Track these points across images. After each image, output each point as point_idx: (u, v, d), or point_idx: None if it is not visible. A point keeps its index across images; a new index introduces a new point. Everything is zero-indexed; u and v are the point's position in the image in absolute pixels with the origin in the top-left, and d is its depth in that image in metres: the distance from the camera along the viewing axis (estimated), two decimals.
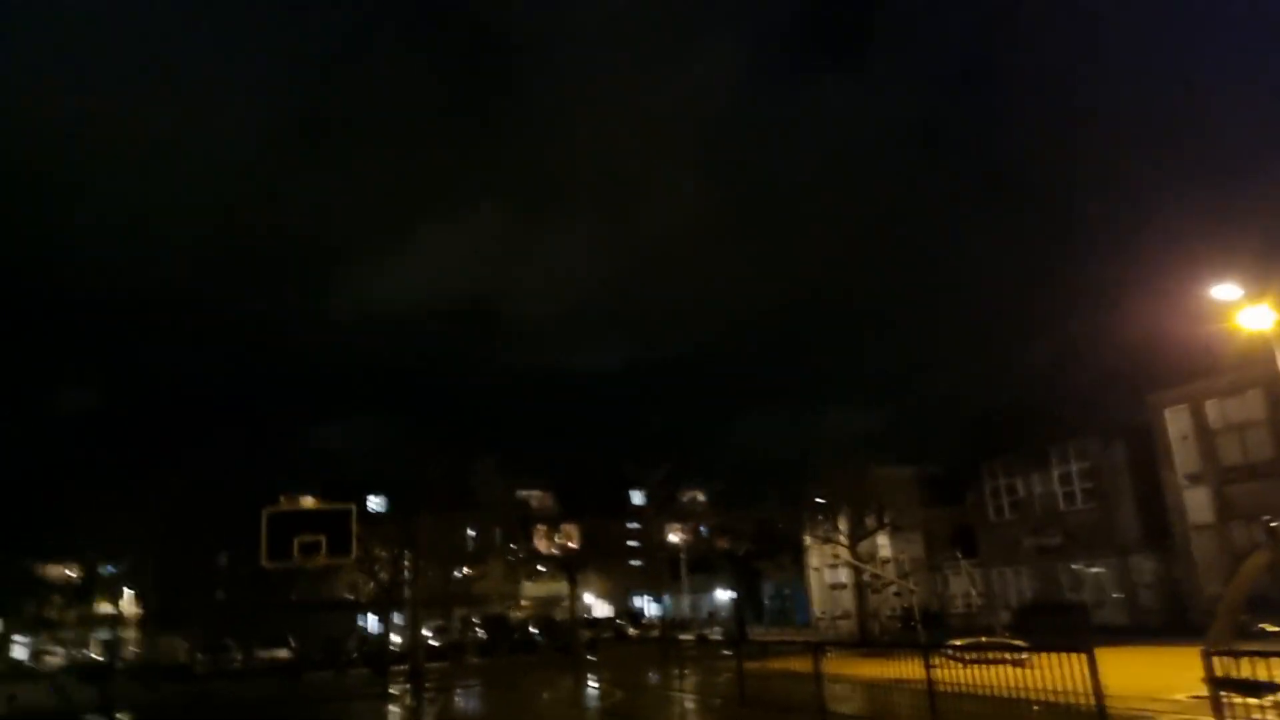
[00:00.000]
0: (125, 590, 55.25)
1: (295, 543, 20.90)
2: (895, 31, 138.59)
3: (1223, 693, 9.13)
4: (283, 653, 46.03)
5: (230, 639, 47.83)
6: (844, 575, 43.66)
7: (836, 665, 16.97)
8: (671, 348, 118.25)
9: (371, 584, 40.16)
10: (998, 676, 12.72)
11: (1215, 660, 9.00)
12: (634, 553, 58.95)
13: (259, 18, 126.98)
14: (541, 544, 58.15)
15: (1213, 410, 29.60)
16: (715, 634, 45.85)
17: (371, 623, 54.41)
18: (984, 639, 20.17)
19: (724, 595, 59.85)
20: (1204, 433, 29.72)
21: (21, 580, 62.44)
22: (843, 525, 39.68)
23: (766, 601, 57.54)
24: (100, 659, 54.79)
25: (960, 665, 14.19)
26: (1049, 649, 11.37)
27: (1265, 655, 8.65)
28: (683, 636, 41.03)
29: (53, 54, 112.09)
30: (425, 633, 41.02)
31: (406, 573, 36.87)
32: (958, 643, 17.11)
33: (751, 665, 18.51)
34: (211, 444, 43.11)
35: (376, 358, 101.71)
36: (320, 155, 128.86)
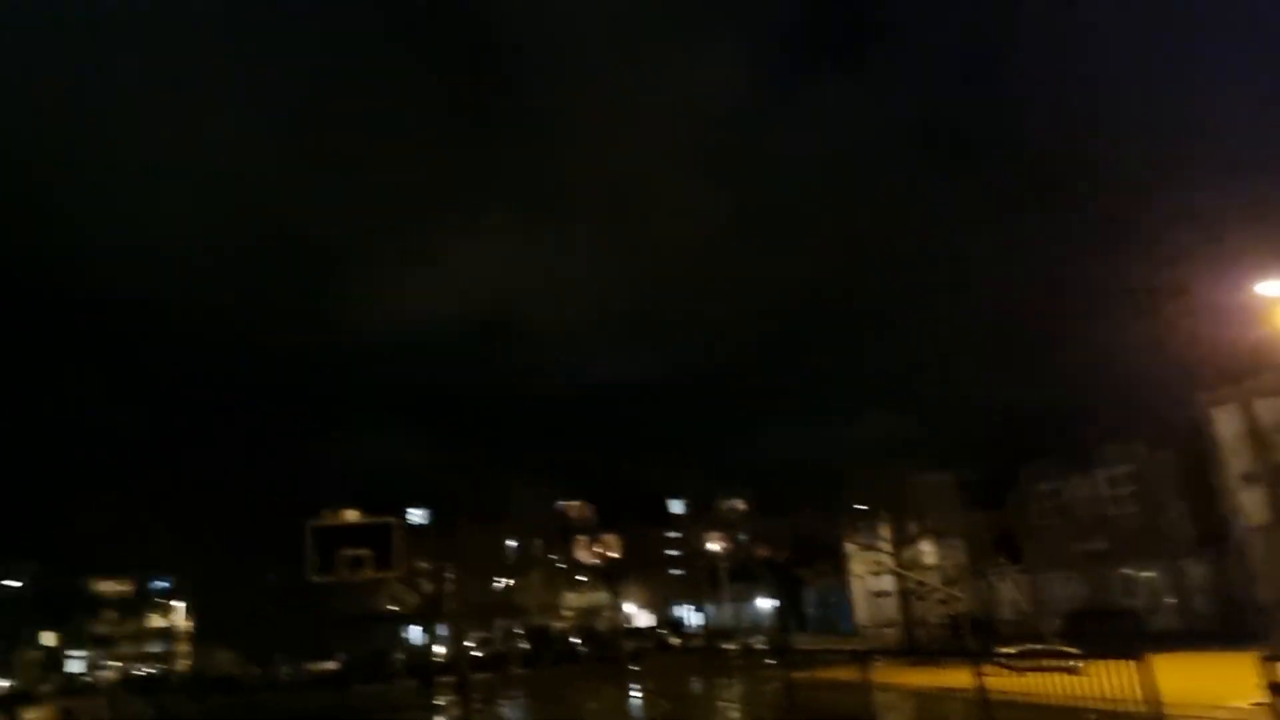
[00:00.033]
0: (175, 605, 56.46)
1: (341, 556, 21.19)
2: (898, 32, 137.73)
3: None
4: (329, 665, 46.65)
5: (278, 652, 48.57)
6: (888, 583, 43.15)
7: (884, 674, 16.85)
8: (705, 356, 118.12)
9: (415, 596, 40.57)
10: (1051, 684, 12.54)
11: (1277, 666, 8.83)
12: (674, 562, 58.90)
13: (270, 40, 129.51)
14: (582, 554, 58.33)
15: (1264, 409, 28.88)
16: (759, 643, 45.62)
17: (415, 634, 54.95)
18: (1035, 646, 19.87)
19: (765, 604, 59.49)
20: (1256, 432, 29.01)
21: (76, 596, 64.06)
22: (885, 532, 39.27)
23: (810, 609, 57.07)
24: (152, 672, 55.95)
25: (1013, 673, 14.02)
26: (1102, 656, 11.21)
27: None
28: (726, 646, 40.87)
29: (68, 64, 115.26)
30: (468, 644, 41.31)
31: (449, 585, 37.20)
32: (1009, 650, 16.89)
33: (798, 674, 18.41)
34: (256, 461, 43.92)
35: (411, 373, 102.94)
36: (345, 180, 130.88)
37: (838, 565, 50.10)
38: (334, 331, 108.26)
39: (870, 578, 47.27)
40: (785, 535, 48.48)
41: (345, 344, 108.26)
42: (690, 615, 62.32)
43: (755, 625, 58.51)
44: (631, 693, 27.31)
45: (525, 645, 49.57)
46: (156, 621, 64.11)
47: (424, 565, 37.39)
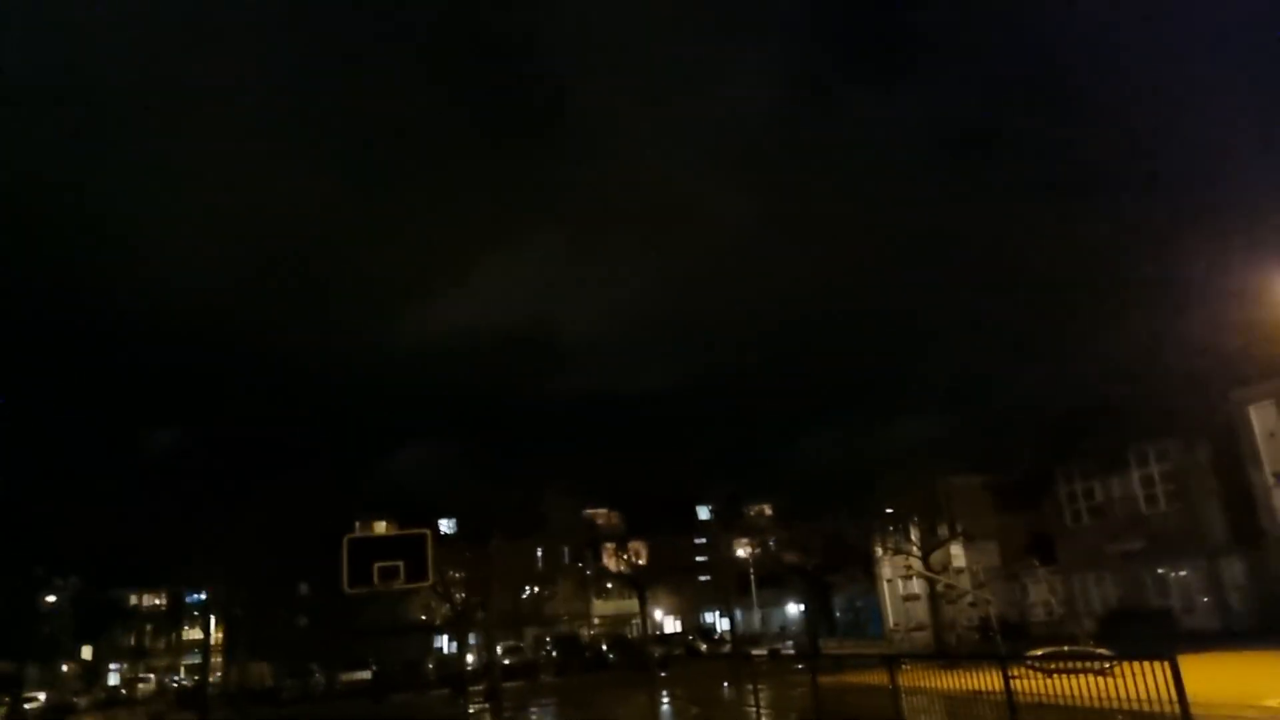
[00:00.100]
0: (210, 617, 57.32)
1: (374, 568, 21.49)
2: (936, 39, 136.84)
3: None
4: (364, 675, 47.14)
5: (313, 663, 49.14)
6: (918, 586, 42.93)
7: (913, 678, 16.79)
8: (733, 362, 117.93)
9: (446, 606, 40.91)
10: (1081, 686, 12.47)
11: None
12: (702, 568, 58.87)
13: (318, 63, 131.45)
14: (610, 562, 58.46)
15: None
16: (788, 648, 45.47)
17: (446, 644, 55.36)
18: (1066, 648, 19.73)
19: (795, 609, 59.28)
20: None
21: (113, 610, 65.17)
22: (914, 536, 39.08)
23: (838, 614, 56.81)
24: (186, 684, 56.76)
25: (1042, 676, 13.95)
26: (1132, 657, 11.15)
27: None
28: (755, 652, 40.83)
29: (116, 100, 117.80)
30: (498, 652, 41.60)
31: (480, 595, 37.49)
32: (1038, 652, 16.80)
33: (826, 679, 18.41)
34: (289, 475, 44.51)
35: (442, 386, 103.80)
36: (385, 192, 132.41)
37: (867, 570, 49.86)
38: (366, 344, 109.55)
39: (900, 581, 47.03)
40: (815, 541, 48.26)
41: (377, 356, 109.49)
42: (719, 621, 62.25)
43: (784, 631, 58.33)
44: (661, 699, 27.40)
45: (555, 653, 49.80)
46: (191, 634, 65.08)
47: (456, 575, 37.72)
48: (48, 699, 52.42)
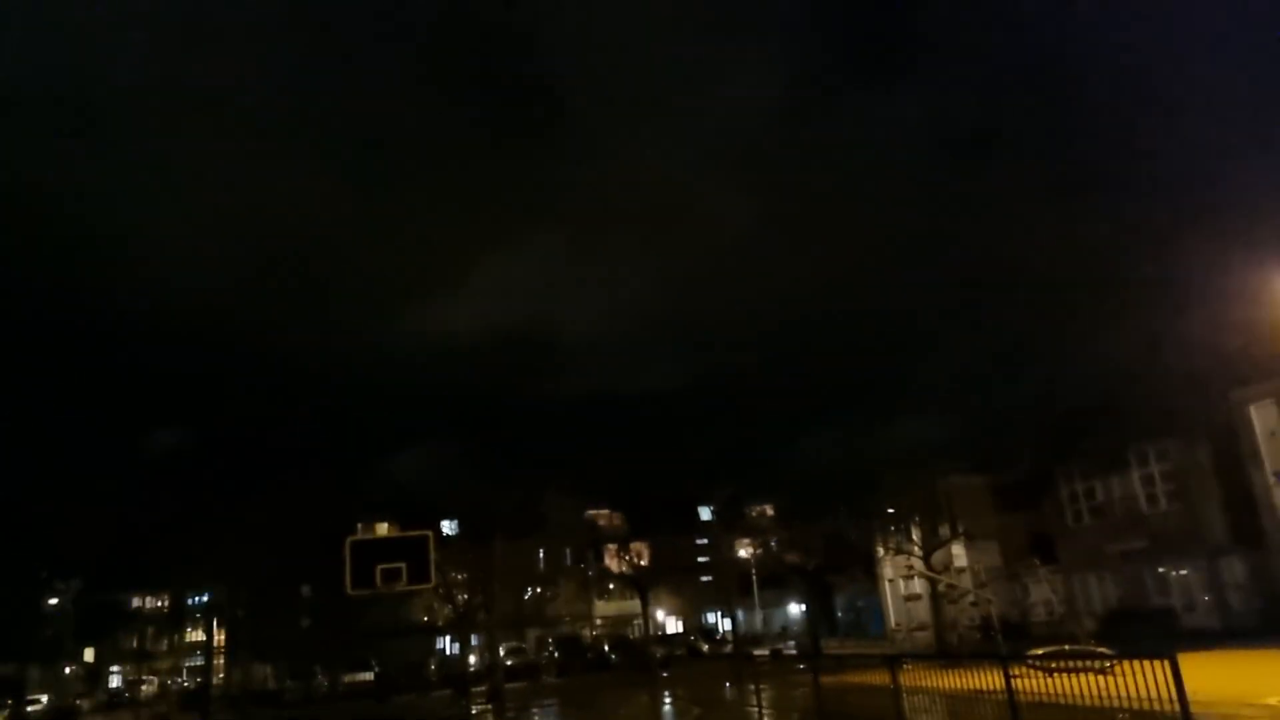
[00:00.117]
0: (212, 619, 57.39)
1: (377, 570, 21.53)
2: (939, 39, 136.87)
3: None
4: (366, 676, 47.20)
5: (315, 665, 49.17)
6: (919, 586, 42.98)
7: (914, 678, 16.85)
8: (733, 365, 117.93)
9: (448, 608, 40.98)
10: (1081, 685, 12.54)
11: None
12: (704, 569, 58.92)
13: (318, 63, 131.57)
14: (612, 563, 58.52)
15: None
16: (789, 649, 45.54)
17: (448, 645, 55.42)
18: (1067, 647, 19.79)
19: (796, 610, 59.34)
20: None
21: (115, 612, 65.20)
22: (915, 536, 39.12)
23: (840, 614, 56.88)
24: (188, 686, 56.81)
25: (1043, 675, 14.01)
26: (1132, 656, 11.20)
27: None
28: (756, 652, 40.89)
29: (116, 100, 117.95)
30: (501, 653, 41.68)
31: (482, 596, 37.57)
32: (1038, 652, 16.86)
33: (828, 679, 18.48)
34: (290, 476, 44.58)
35: (442, 386, 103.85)
36: (384, 192, 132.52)
37: (868, 570, 49.92)
38: (367, 344, 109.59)
39: (901, 581, 47.09)
40: (816, 541, 48.33)
41: (377, 356, 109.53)
42: (721, 622, 62.30)
43: (785, 631, 58.38)
44: (663, 700, 27.47)
45: (557, 654, 49.87)
46: (193, 636, 65.13)
47: (458, 576, 37.79)
48: (49, 702, 52.48)
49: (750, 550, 54.84)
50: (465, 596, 38.22)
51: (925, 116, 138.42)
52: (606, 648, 50.77)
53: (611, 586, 60.84)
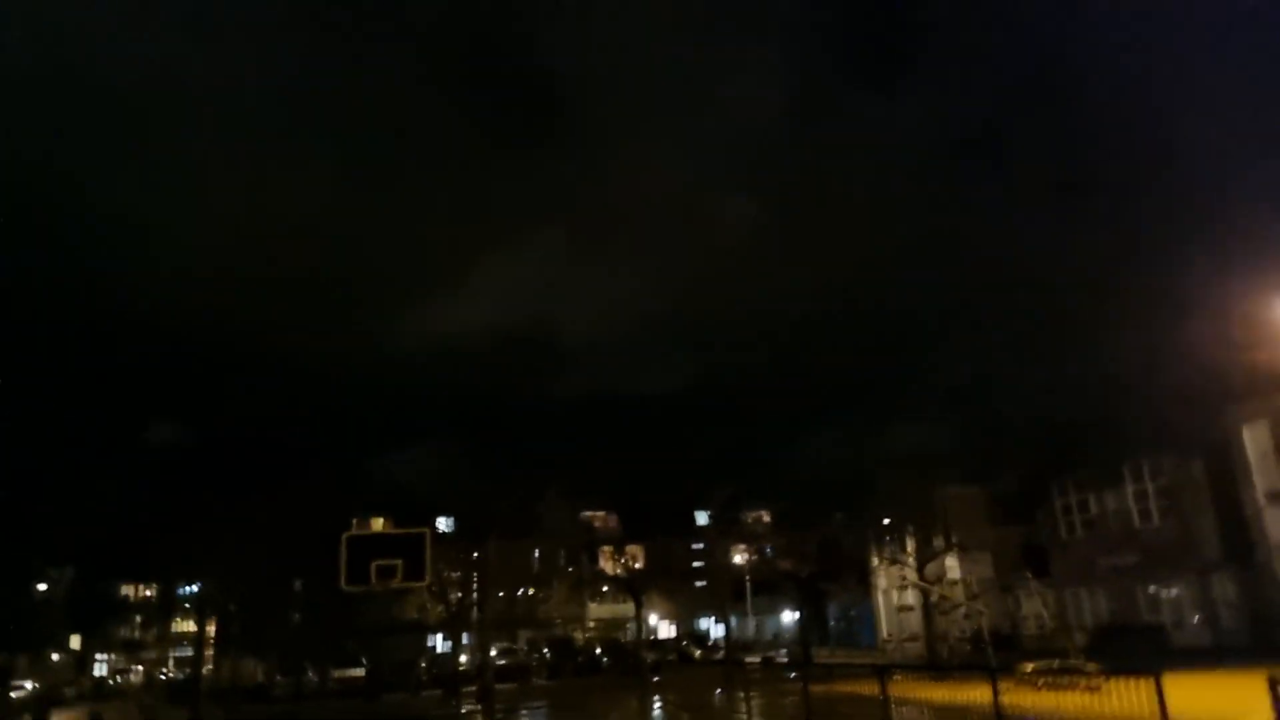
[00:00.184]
0: (201, 610, 57.30)
1: (372, 566, 21.54)
2: (940, 43, 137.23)
3: None
4: (356, 672, 47.11)
5: (305, 660, 49.06)
6: (912, 597, 43.02)
7: (904, 689, 16.92)
8: (732, 367, 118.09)
9: (440, 606, 40.98)
10: (1069, 701, 12.63)
11: None
12: (698, 574, 58.94)
13: (319, 63, 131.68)
14: (606, 565, 58.54)
15: None
16: (780, 656, 45.57)
17: (440, 643, 55.36)
18: (1056, 662, 19.87)
19: (789, 617, 59.35)
20: None
21: (105, 601, 65.09)
22: (910, 546, 39.18)
23: (832, 623, 56.92)
24: (176, 677, 56.71)
25: (1031, 689, 14.09)
26: (1119, 672, 11.30)
27: None
28: (748, 659, 40.92)
29: (117, 99, 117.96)
30: (492, 654, 41.68)
31: (475, 595, 37.59)
32: (1028, 666, 16.94)
33: (817, 688, 18.54)
34: (287, 471, 44.60)
35: (441, 384, 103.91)
36: (385, 192, 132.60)
37: (862, 579, 49.97)
38: (367, 343, 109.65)
39: (895, 592, 47.15)
40: (811, 548, 48.40)
41: (377, 356, 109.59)
42: (713, 628, 62.30)
43: (777, 638, 58.40)
44: (653, 705, 27.51)
45: (549, 656, 49.86)
46: (182, 627, 65.00)
47: (451, 575, 37.81)
48: (35, 689, 52.40)
49: (745, 556, 54.89)
50: (459, 595, 38.23)
51: (927, 119, 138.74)
52: (598, 651, 50.75)
53: (605, 589, 60.83)
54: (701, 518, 62.10)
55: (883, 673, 15.73)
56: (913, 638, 43.31)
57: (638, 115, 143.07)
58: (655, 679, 36.74)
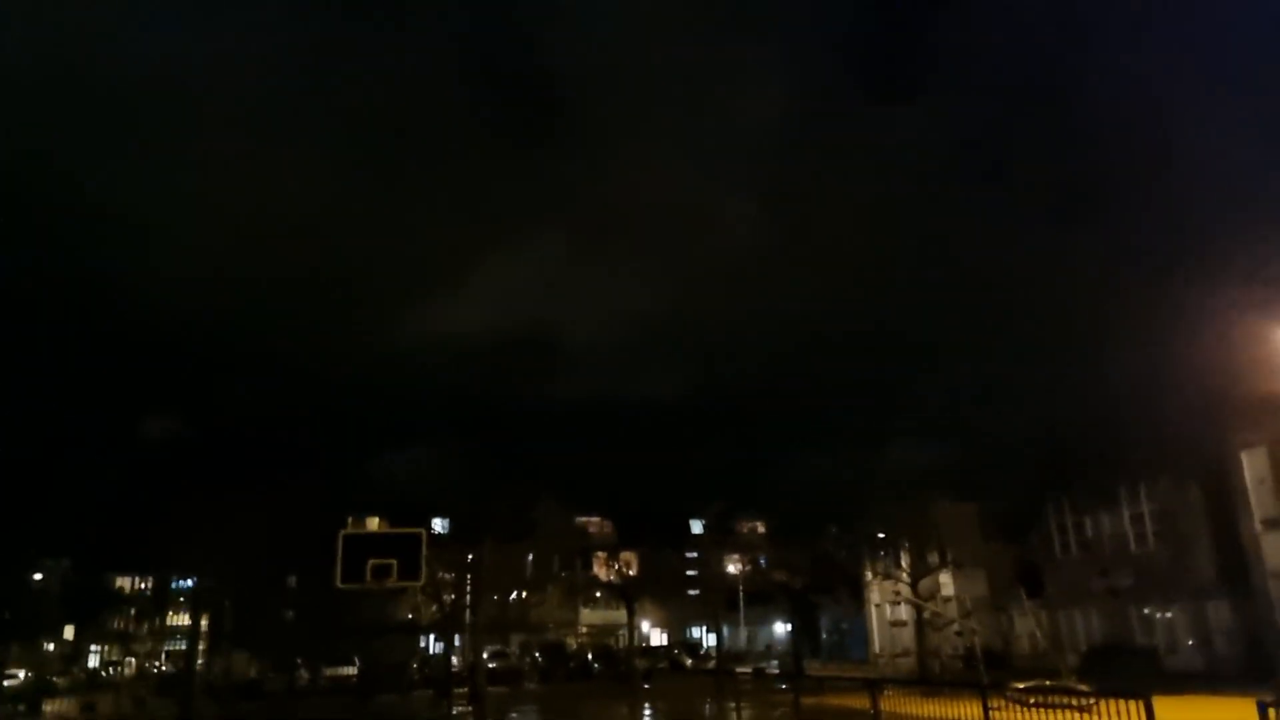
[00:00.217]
0: (195, 604, 57.28)
1: (368, 565, 21.58)
2: (954, 57, 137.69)
3: None
4: (347, 671, 47.12)
5: (298, 657, 49.08)
6: (904, 612, 43.01)
7: (895, 703, 17.00)
8: (730, 377, 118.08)
9: (434, 607, 41.00)
10: None
11: (1271, 712, 8.99)
12: (692, 583, 58.96)
13: (321, 63, 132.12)
14: (600, 571, 58.55)
15: None
16: (772, 667, 45.55)
17: (432, 645, 55.37)
18: (1047, 682, 19.91)
19: (781, 628, 59.34)
20: None
21: (99, 592, 65.13)
22: (904, 562, 39.19)
23: (824, 635, 56.91)
24: (170, 671, 56.66)
25: (1021, 708, 14.15)
26: (1109, 694, 11.38)
27: None
28: (739, 669, 40.91)
29: (118, 97, 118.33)
30: (484, 656, 41.67)
31: (469, 598, 37.63)
32: (1019, 685, 16.97)
33: (808, 700, 18.61)
34: (284, 469, 44.66)
35: (439, 385, 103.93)
36: (387, 193, 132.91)
37: (855, 592, 49.98)
38: (365, 342, 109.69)
39: (888, 606, 47.15)
40: (804, 560, 48.41)
41: (375, 354, 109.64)
42: (705, 637, 62.28)
43: (769, 649, 58.38)
44: (643, 712, 27.51)
45: (540, 660, 49.85)
46: (175, 620, 65.03)
47: (446, 577, 37.84)
48: (27, 678, 52.39)
49: (739, 566, 54.90)
50: (452, 597, 38.26)
51: (930, 126, 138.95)
52: (590, 657, 50.74)
53: (598, 595, 60.78)
54: (696, 527, 62.20)
55: (874, 687, 15.80)
56: (905, 653, 43.30)
57: (639, 117, 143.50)
58: (646, 686, 36.73)
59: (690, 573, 58.55)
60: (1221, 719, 16.57)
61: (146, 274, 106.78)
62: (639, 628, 53.33)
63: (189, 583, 57.27)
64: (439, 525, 43.71)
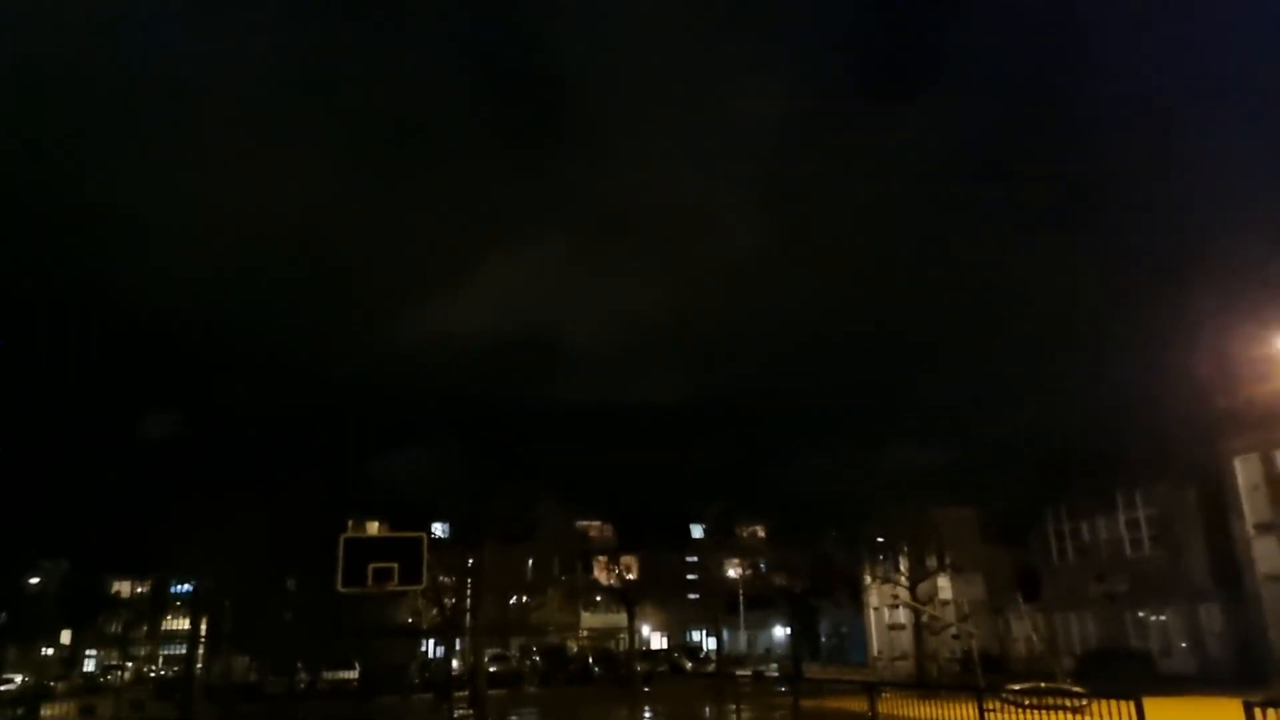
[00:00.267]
0: (194, 608, 57.35)
1: (369, 569, 21.77)
2: (958, 66, 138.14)
3: None
4: (347, 674, 47.23)
5: (298, 660, 49.17)
6: (903, 616, 43.24)
7: (892, 706, 17.24)
8: (731, 380, 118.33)
9: (434, 610, 41.15)
10: None
11: (1256, 712, 9.25)
12: (692, 586, 59.15)
13: (322, 63, 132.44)
14: (600, 575, 58.74)
15: None
16: (771, 670, 45.75)
17: (432, 648, 55.51)
18: (1042, 684, 20.16)
19: (781, 632, 59.53)
20: (1275, 483, 29.13)
21: (97, 596, 65.09)
22: (903, 566, 39.44)
23: (823, 639, 57.10)
24: (164, 674, 56.72)
25: (1017, 709, 14.41)
26: (1102, 696, 11.64)
27: None
28: (738, 672, 41.12)
29: (119, 95, 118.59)
30: (484, 659, 41.82)
31: (470, 601, 37.79)
32: (1015, 687, 17.22)
33: (807, 702, 18.85)
34: (284, 471, 44.82)
35: (438, 386, 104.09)
36: (387, 193, 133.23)
37: (854, 596, 50.20)
38: (365, 342, 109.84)
39: (886, 610, 47.37)
40: (804, 564, 48.62)
41: (376, 354, 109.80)
42: (705, 640, 62.45)
43: (769, 653, 58.54)
44: (643, 715, 27.72)
45: (540, 663, 50.00)
46: (173, 624, 65.02)
47: (446, 580, 38.00)
48: (25, 682, 52.45)
49: (739, 570, 55.09)
50: (452, 600, 38.42)
51: (932, 133, 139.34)
52: (590, 660, 50.91)
53: (598, 599, 60.98)
54: (696, 530, 62.40)
55: (872, 689, 16.04)
56: (903, 656, 43.51)
57: (640, 117, 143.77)
58: (646, 690, 36.94)
59: (690, 576, 58.74)
60: (1217, 717, 16.83)
61: (146, 273, 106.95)
62: (639, 631, 53.56)
63: (187, 587, 57.40)
64: (439, 529, 43.91)
